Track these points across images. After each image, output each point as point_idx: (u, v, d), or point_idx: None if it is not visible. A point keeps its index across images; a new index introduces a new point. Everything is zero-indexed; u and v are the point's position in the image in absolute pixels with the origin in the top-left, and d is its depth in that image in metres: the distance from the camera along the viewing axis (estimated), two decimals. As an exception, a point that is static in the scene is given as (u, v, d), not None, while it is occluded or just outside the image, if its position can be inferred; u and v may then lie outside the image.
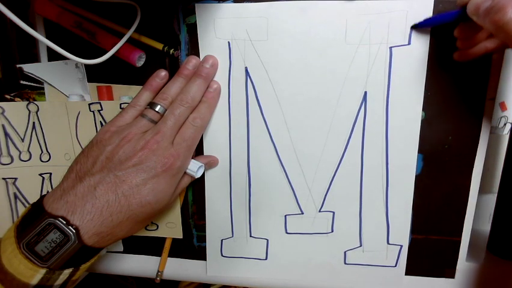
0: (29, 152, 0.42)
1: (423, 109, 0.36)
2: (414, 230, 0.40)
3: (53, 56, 0.41)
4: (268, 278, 0.44)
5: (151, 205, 0.33)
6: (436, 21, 0.34)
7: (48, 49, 0.41)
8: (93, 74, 0.41)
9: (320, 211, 0.41)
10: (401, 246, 0.41)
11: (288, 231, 0.42)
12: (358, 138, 0.38)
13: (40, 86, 0.42)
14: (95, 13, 0.38)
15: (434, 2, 0.34)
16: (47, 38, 0.31)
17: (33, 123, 0.41)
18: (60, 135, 0.41)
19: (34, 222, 0.30)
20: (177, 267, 0.45)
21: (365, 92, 0.37)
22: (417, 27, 0.35)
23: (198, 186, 0.42)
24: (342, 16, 0.35)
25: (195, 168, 0.37)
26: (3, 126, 0.41)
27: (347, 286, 0.43)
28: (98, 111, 0.40)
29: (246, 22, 0.36)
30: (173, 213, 0.42)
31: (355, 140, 0.38)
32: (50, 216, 0.30)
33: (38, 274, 0.30)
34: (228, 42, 0.37)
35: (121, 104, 0.39)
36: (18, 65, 0.41)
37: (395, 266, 0.41)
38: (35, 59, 0.42)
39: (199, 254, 0.44)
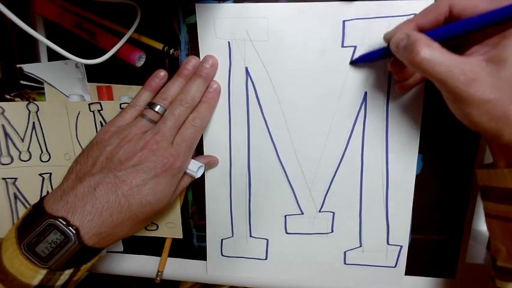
0: (29, 152, 0.42)
1: (423, 109, 0.36)
2: (414, 230, 0.40)
3: (53, 56, 0.41)
4: (268, 278, 0.44)
5: (151, 205, 0.33)
6: (370, 58, 0.35)
7: (48, 49, 0.41)
8: (93, 74, 0.41)
9: (319, 211, 0.41)
10: (401, 246, 0.41)
11: (288, 231, 0.42)
12: (358, 138, 0.38)
13: (40, 86, 0.42)
14: (95, 13, 0.38)
15: (435, 1, 0.34)
16: (47, 38, 0.31)
17: (33, 123, 0.41)
18: (61, 135, 0.41)
19: (34, 223, 0.30)
20: (177, 267, 0.45)
21: (365, 92, 0.37)
22: (355, 63, 0.36)
23: (198, 186, 0.42)
24: (342, 17, 0.35)
25: (195, 168, 0.37)
26: (3, 126, 0.41)
27: (346, 286, 0.43)
28: (98, 111, 0.40)
29: (246, 22, 0.36)
30: (173, 213, 0.42)
31: (355, 140, 0.38)
32: (51, 217, 0.30)
33: (38, 275, 0.30)
34: (228, 42, 0.37)
35: (121, 104, 0.39)
36: (18, 65, 0.40)
37: (395, 266, 0.41)
38: (35, 59, 0.41)
39: (199, 254, 0.44)
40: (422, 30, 0.30)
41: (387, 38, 0.32)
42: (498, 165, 0.30)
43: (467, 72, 0.26)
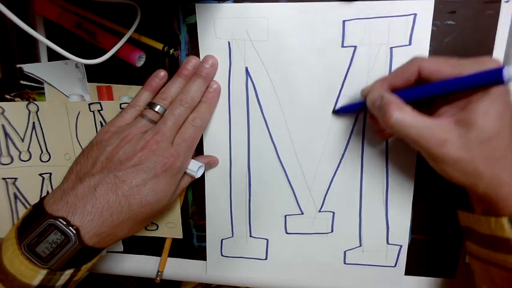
0: (29, 152, 0.42)
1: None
2: (414, 230, 0.40)
3: (53, 56, 0.41)
4: (268, 278, 0.44)
5: (151, 205, 0.33)
6: (350, 109, 0.37)
7: (48, 49, 0.41)
8: (93, 74, 0.41)
9: (319, 211, 0.41)
10: (401, 246, 0.41)
11: (288, 231, 0.42)
12: (358, 138, 0.38)
13: (40, 86, 0.42)
14: (95, 13, 0.38)
15: (435, 2, 0.34)
16: (47, 38, 0.31)
17: (33, 123, 0.41)
18: (61, 135, 0.41)
19: (35, 223, 0.30)
20: (177, 267, 0.45)
21: (365, 92, 0.37)
22: (337, 113, 0.38)
23: (198, 186, 0.42)
24: (342, 17, 0.35)
25: (195, 168, 0.37)
26: (3, 126, 0.41)
27: (346, 286, 0.43)
28: (98, 111, 0.40)
29: (246, 22, 0.36)
30: (173, 213, 0.42)
31: (355, 140, 0.38)
32: (51, 217, 0.30)
33: (39, 275, 0.30)
34: (228, 42, 0.37)
35: (121, 104, 0.39)
36: (18, 65, 0.40)
37: (395, 266, 0.41)
38: (35, 59, 0.41)
39: (199, 254, 0.44)
40: (395, 88, 0.32)
41: (364, 94, 0.34)
42: (476, 210, 0.32)
43: (437, 134, 0.28)
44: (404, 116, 0.28)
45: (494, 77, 0.25)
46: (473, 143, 0.27)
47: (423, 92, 0.30)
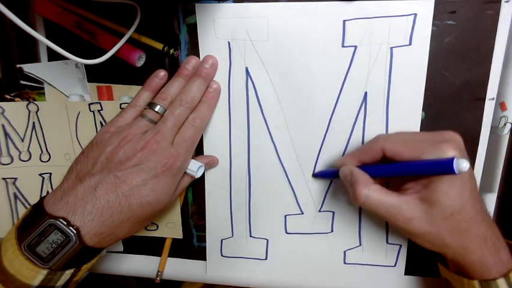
0: (29, 152, 0.42)
1: (423, 109, 0.37)
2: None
3: (53, 56, 0.41)
4: (268, 278, 0.44)
5: (152, 205, 0.33)
6: (326, 176, 0.39)
7: (48, 49, 0.41)
8: (93, 74, 0.41)
9: (319, 211, 0.41)
10: (400, 245, 0.41)
11: (288, 231, 0.42)
12: (358, 138, 0.38)
13: (40, 86, 0.42)
14: (95, 13, 0.38)
15: (435, 2, 0.34)
16: (47, 38, 0.31)
17: (33, 123, 0.41)
18: (61, 135, 0.41)
19: (35, 223, 0.30)
20: (177, 267, 0.45)
21: (365, 92, 0.37)
22: (316, 177, 0.40)
23: (197, 186, 0.42)
24: (342, 17, 0.35)
25: (195, 168, 0.37)
26: (3, 126, 0.41)
27: (346, 286, 0.43)
28: (98, 111, 0.40)
29: (246, 22, 0.36)
30: (173, 213, 0.42)
31: (355, 140, 0.38)
32: (51, 217, 0.30)
33: (39, 275, 0.30)
34: (228, 42, 0.37)
35: (121, 104, 0.39)
36: (18, 65, 0.40)
37: (395, 265, 0.41)
38: (35, 59, 0.41)
39: (199, 254, 0.44)
40: (364, 164, 0.34)
41: (337, 165, 0.36)
42: (450, 268, 0.35)
43: (404, 212, 0.31)
44: (371, 195, 0.31)
45: (447, 168, 0.27)
46: (437, 219, 0.30)
47: (386, 171, 0.32)
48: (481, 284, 0.31)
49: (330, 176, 0.38)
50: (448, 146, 0.29)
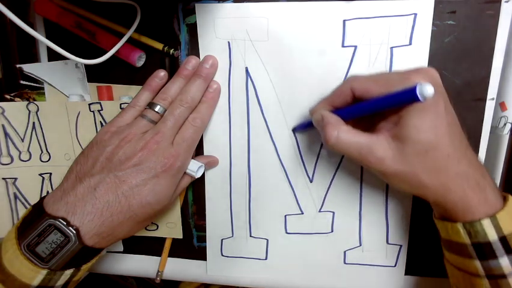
0: (29, 152, 0.42)
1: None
2: (414, 230, 0.40)
3: (53, 56, 0.41)
4: (268, 278, 0.44)
5: (151, 205, 0.33)
6: (305, 127, 0.37)
7: (48, 49, 0.41)
8: (93, 74, 0.41)
9: (319, 211, 0.41)
10: (401, 246, 0.41)
11: (288, 231, 0.42)
12: (358, 138, 0.38)
13: (40, 86, 0.42)
14: (95, 13, 0.38)
15: (435, 2, 0.34)
16: (47, 38, 0.31)
17: (33, 123, 0.41)
18: (61, 135, 0.41)
19: (35, 223, 0.30)
20: (177, 267, 0.45)
21: (365, 92, 0.37)
22: (296, 131, 0.39)
23: (197, 186, 0.42)
24: (342, 17, 0.35)
25: (194, 168, 0.37)
26: (3, 126, 0.41)
27: (346, 286, 0.43)
28: (98, 111, 0.40)
29: (246, 22, 0.36)
30: (173, 213, 0.42)
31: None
32: (51, 217, 0.30)
33: (39, 275, 0.30)
34: (228, 42, 0.37)
35: (121, 104, 0.39)
36: (18, 65, 0.40)
37: (395, 265, 0.41)
38: (35, 59, 0.41)
39: (199, 254, 0.44)
40: (336, 107, 0.33)
41: (311, 113, 0.35)
42: (435, 215, 0.33)
43: (375, 151, 0.29)
44: (341, 137, 0.29)
45: (410, 96, 0.26)
46: (410, 157, 0.28)
47: (356, 111, 0.31)
48: (464, 226, 0.29)
49: (307, 126, 0.37)
50: (416, 75, 0.27)
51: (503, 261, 0.28)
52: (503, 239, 0.28)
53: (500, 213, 0.28)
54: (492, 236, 0.28)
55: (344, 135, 0.29)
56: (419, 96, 0.25)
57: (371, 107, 0.29)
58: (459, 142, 0.29)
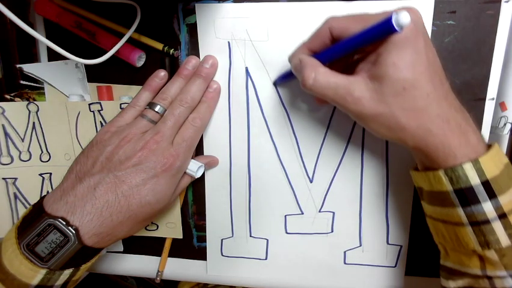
0: (29, 152, 0.42)
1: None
2: (414, 230, 0.40)
3: (53, 56, 0.41)
4: (268, 278, 0.44)
5: (151, 205, 0.33)
6: (285, 78, 0.36)
7: (48, 49, 0.41)
8: (93, 74, 0.41)
9: (319, 211, 0.41)
10: (401, 246, 0.41)
11: (288, 231, 0.42)
12: (358, 138, 0.38)
13: (40, 86, 0.42)
14: (95, 13, 0.38)
15: (435, 2, 0.34)
16: (47, 38, 0.31)
17: (33, 123, 0.41)
18: (61, 135, 0.41)
19: (34, 223, 0.30)
20: (177, 267, 0.45)
21: (365, 92, 0.37)
22: (278, 83, 0.38)
23: (197, 186, 0.42)
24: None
25: (194, 168, 0.37)
26: (3, 126, 0.41)
27: (346, 286, 0.43)
28: (98, 111, 0.40)
29: (246, 22, 0.36)
30: (173, 213, 0.42)
31: (355, 140, 0.38)
32: (50, 217, 0.30)
33: (38, 275, 0.30)
34: (228, 42, 0.37)
35: (121, 104, 0.39)
36: (18, 65, 0.41)
37: (395, 266, 0.41)
38: (35, 59, 0.42)
39: (199, 254, 0.44)
40: (315, 52, 0.31)
41: (289, 60, 0.34)
42: (419, 168, 0.32)
43: (352, 92, 0.28)
44: (319, 78, 0.28)
45: (386, 27, 0.24)
46: (388, 96, 0.27)
47: (334, 51, 0.29)
48: (446, 172, 0.28)
49: (288, 77, 0.36)
50: (394, 10, 0.25)
51: (487, 206, 0.27)
52: (486, 183, 0.27)
53: (483, 157, 0.27)
54: (474, 180, 0.27)
55: (321, 76, 0.29)
56: (394, 25, 0.24)
57: (348, 45, 0.28)
58: (439, 82, 0.28)
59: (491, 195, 0.27)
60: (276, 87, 0.38)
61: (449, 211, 0.29)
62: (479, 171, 0.27)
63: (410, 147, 0.30)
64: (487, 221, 0.27)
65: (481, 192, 0.27)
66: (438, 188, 0.29)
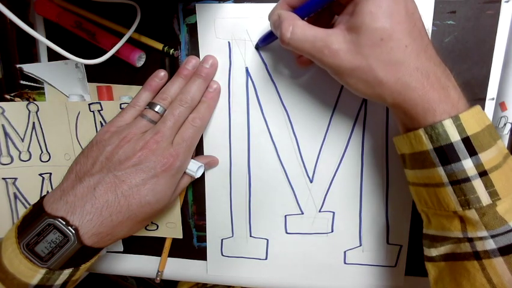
0: (29, 152, 0.42)
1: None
2: (414, 230, 0.40)
3: (53, 56, 0.41)
4: (268, 278, 0.44)
5: (151, 205, 0.33)
6: (266, 40, 0.35)
7: (48, 49, 0.41)
8: (93, 74, 0.41)
9: (320, 211, 0.41)
10: (401, 246, 0.41)
11: (288, 231, 0.42)
12: (358, 138, 0.38)
13: (40, 86, 0.42)
14: (95, 13, 0.38)
15: (435, 2, 0.34)
16: (47, 38, 0.31)
17: (33, 123, 0.41)
18: (60, 135, 0.41)
19: (34, 222, 0.30)
20: (177, 267, 0.45)
21: (365, 92, 0.37)
22: (259, 47, 0.37)
23: (197, 186, 0.42)
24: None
25: (194, 168, 0.37)
26: (3, 126, 0.41)
27: (346, 286, 0.43)
28: (98, 111, 0.40)
29: (246, 22, 0.36)
30: (173, 213, 0.42)
31: (355, 140, 0.38)
32: (50, 217, 0.30)
33: (38, 274, 0.30)
34: (228, 42, 0.37)
35: (121, 104, 0.39)
36: (18, 65, 0.41)
37: (395, 266, 0.41)
38: (35, 59, 0.42)
39: (199, 254, 0.44)
40: (294, 7, 0.30)
41: (268, 17, 0.32)
42: (401, 131, 0.31)
43: (329, 44, 0.27)
44: (296, 31, 0.28)
45: None
46: (365, 48, 0.26)
47: (311, 4, 0.29)
48: (426, 130, 0.27)
49: (269, 37, 0.35)
50: None
51: (467, 163, 0.27)
52: (466, 140, 0.26)
53: (464, 114, 0.26)
54: (454, 137, 0.26)
55: (299, 29, 0.28)
56: None
57: None
58: (419, 35, 0.27)
59: (472, 152, 0.26)
60: (258, 51, 0.37)
61: (430, 172, 0.28)
62: (460, 128, 0.26)
63: (389, 104, 0.29)
64: (467, 179, 0.27)
65: (461, 150, 0.26)
66: (419, 148, 0.28)
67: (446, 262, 0.30)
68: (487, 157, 0.26)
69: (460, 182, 0.27)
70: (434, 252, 0.31)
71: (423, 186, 0.30)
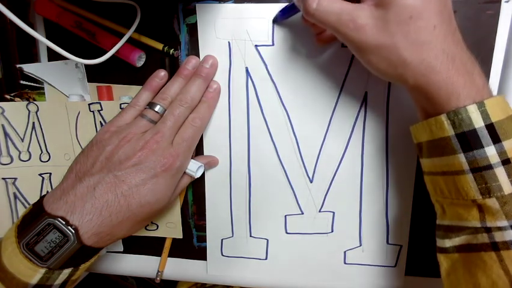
0: (29, 152, 0.42)
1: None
2: (414, 230, 0.40)
3: (53, 56, 0.41)
4: (268, 278, 0.44)
5: (151, 205, 0.33)
6: (286, 13, 0.34)
7: (48, 49, 0.41)
8: (93, 74, 0.41)
9: (320, 211, 0.41)
10: (401, 246, 0.41)
11: (288, 231, 0.42)
12: (358, 138, 0.38)
13: (40, 86, 0.42)
14: (95, 13, 0.38)
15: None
16: (47, 38, 0.31)
17: (33, 123, 0.41)
18: (60, 135, 0.41)
19: (34, 222, 0.30)
20: (177, 267, 0.45)
21: (366, 92, 0.37)
22: (277, 22, 0.36)
23: (197, 186, 0.42)
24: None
25: (194, 168, 0.37)
26: (3, 126, 0.41)
27: (346, 286, 0.43)
28: (98, 111, 0.40)
29: (246, 23, 0.36)
30: (173, 213, 0.42)
31: (355, 140, 0.38)
32: (50, 217, 0.30)
33: (37, 274, 0.30)
34: (228, 42, 0.37)
35: (121, 104, 0.39)
36: (18, 65, 0.41)
37: (395, 266, 0.41)
38: (35, 59, 0.42)
39: (199, 254, 0.44)
40: None
41: None
42: (420, 117, 0.30)
43: (355, 18, 0.26)
44: (323, 2, 0.27)
45: None
46: (392, 25, 0.26)
47: None
48: (448, 116, 0.26)
49: (289, 10, 0.34)
50: None
51: (490, 150, 0.26)
52: (490, 127, 0.26)
53: (489, 100, 0.26)
54: (478, 123, 0.26)
55: (325, 2, 0.27)
56: None
57: None
58: (448, 17, 0.26)
59: (496, 139, 0.26)
60: (273, 28, 0.36)
61: (450, 160, 0.28)
62: (484, 114, 0.25)
63: (410, 86, 0.28)
64: (489, 166, 0.26)
65: (485, 136, 0.26)
66: (439, 134, 0.27)
67: (460, 254, 0.29)
68: (510, 145, 0.26)
69: (481, 170, 0.26)
70: (448, 243, 0.30)
71: (440, 175, 0.29)
